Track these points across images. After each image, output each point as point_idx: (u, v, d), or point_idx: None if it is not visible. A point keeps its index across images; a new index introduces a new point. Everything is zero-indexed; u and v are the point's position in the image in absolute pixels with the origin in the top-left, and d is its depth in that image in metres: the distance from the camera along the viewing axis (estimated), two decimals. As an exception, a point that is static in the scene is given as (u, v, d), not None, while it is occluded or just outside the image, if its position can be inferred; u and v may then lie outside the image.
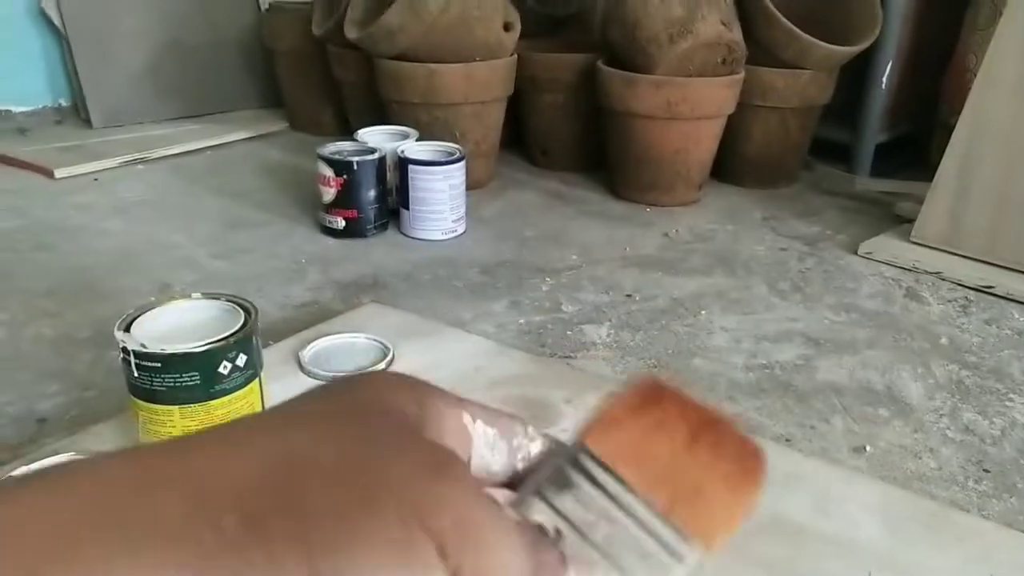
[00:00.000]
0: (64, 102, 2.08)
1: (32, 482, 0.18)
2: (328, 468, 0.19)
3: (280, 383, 0.79)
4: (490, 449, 0.24)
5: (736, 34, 1.50)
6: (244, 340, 0.67)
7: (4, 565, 0.15)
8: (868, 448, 0.84)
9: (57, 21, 1.95)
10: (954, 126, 1.33)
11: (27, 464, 0.67)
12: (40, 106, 2.04)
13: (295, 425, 0.20)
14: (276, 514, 0.17)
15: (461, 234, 1.40)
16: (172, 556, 0.16)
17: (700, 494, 0.24)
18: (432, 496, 0.19)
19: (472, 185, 1.45)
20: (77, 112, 2.07)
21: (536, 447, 0.25)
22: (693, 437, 0.24)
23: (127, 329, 0.66)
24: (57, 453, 0.70)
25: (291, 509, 0.17)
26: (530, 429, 0.26)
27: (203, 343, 0.65)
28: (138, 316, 0.68)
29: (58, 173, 1.65)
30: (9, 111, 1.98)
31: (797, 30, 1.52)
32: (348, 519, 0.17)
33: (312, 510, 0.17)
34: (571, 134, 1.73)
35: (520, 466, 0.25)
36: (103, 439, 0.74)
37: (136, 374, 0.65)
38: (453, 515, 0.19)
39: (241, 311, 0.69)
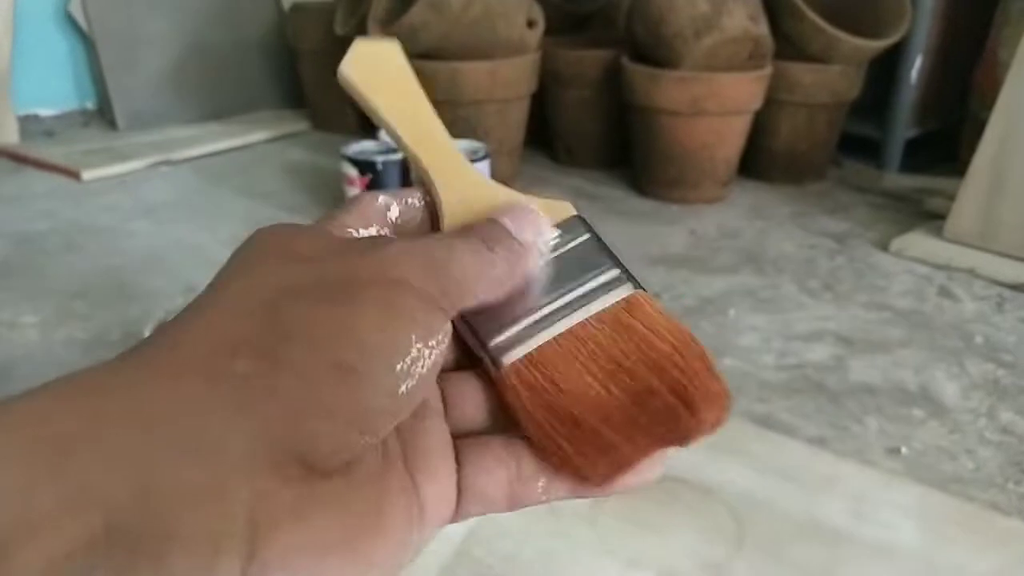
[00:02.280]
0: (90, 105, 2.10)
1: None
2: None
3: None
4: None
5: (763, 28, 1.48)
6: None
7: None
8: (903, 449, 0.83)
9: (83, 24, 1.97)
10: (986, 120, 1.31)
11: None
12: (67, 109, 2.06)
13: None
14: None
15: (486, 233, 1.39)
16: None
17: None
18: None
19: (496, 184, 1.44)
20: (103, 114, 2.09)
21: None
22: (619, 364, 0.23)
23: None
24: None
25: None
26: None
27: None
28: (168, 320, 0.68)
29: (85, 175, 1.67)
30: (37, 114, 2.01)
31: (825, 24, 1.50)
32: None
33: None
34: (595, 131, 1.72)
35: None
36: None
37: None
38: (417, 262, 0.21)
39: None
